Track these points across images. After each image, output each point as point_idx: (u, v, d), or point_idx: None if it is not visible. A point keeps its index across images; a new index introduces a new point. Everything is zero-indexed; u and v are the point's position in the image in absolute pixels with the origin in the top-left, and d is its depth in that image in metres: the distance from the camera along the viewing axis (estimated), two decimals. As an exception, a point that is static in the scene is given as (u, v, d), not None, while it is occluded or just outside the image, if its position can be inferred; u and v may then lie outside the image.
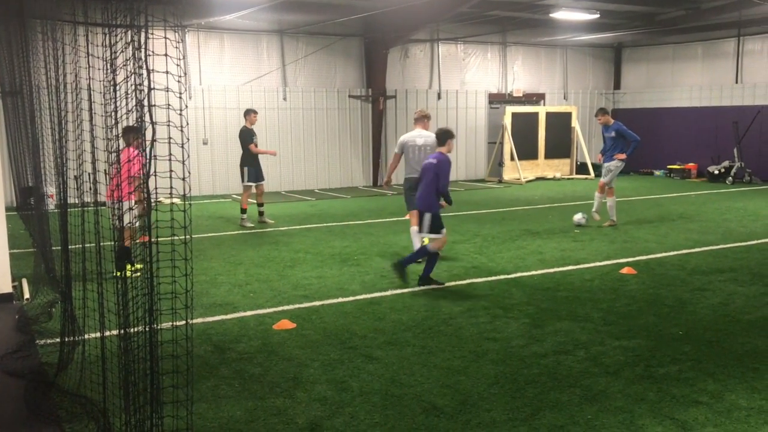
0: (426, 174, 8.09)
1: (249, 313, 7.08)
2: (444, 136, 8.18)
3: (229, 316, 6.96)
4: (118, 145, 3.66)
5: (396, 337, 6.27)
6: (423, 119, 9.71)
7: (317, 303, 7.42)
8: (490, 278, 8.48)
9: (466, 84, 21.19)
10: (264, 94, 18.22)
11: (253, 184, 12.55)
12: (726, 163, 19.93)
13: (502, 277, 8.53)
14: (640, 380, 5.20)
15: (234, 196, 17.25)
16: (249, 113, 12.63)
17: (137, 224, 8.03)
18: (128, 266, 7.25)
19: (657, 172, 22.06)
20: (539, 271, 8.80)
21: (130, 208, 7.64)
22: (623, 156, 11.97)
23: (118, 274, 6.02)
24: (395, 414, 4.66)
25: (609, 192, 12.26)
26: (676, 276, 8.48)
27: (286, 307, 7.26)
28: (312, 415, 4.65)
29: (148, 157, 3.18)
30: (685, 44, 21.92)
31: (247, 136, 12.49)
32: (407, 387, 5.12)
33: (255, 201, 13.00)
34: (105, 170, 4.22)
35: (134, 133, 6.70)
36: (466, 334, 6.33)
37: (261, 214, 12.86)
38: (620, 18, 19.74)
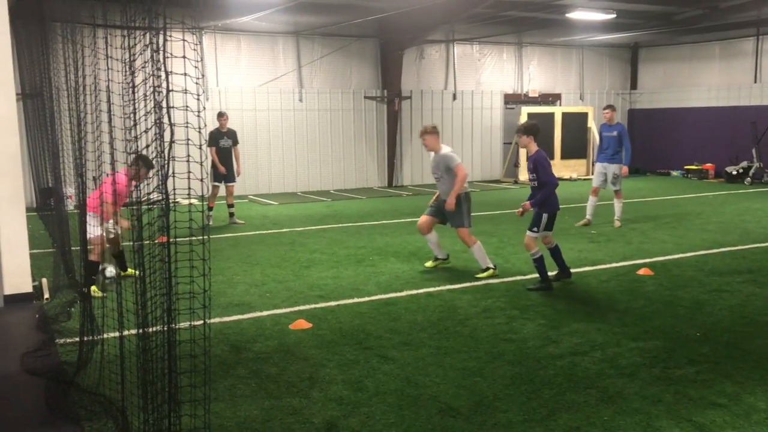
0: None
1: (265, 313, 7.12)
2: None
3: (245, 316, 7.00)
4: (137, 147, 3.69)
5: (411, 337, 6.28)
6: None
7: (333, 303, 7.44)
8: (506, 279, 8.46)
9: (482, 84, 21.16)
10: (280, 96, 18.29)
11: (219, 185, 13.06)
12: (744, 164, 19.73)
13: (518, 278, 8.51)
14: (657, 382, 5.17)
15: (251, 196, 17.33)
16: (218, 116, 13.08)
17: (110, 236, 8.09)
18: (93, 286, 7.32)
19: (674, 173, 21.90)
20: (556, 272, 8.76)
21: (114, 222, 7.74)
22: (626, 170, 12.19)
23: (84, 290, 6.05)
24: (411, 414, 4.67)
25: (618, 194, 12.32)
26: (693, 277, 8.42)
27: (302, 307, 7.29)
28: (328, 415, 4.67)
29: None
30: (702, 44, 21.74)
31: (210, 138, 12.82)
32: (423, 387, 5.13)
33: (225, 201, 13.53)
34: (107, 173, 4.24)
35: (142, 163, 6.49)
36: (482, 335, 6.33)
37: (231, 215, 13.30)
38: (637, 18, 19.62)
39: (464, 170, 8.52)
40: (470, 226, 8.67)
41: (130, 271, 8.14)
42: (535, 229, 7.89)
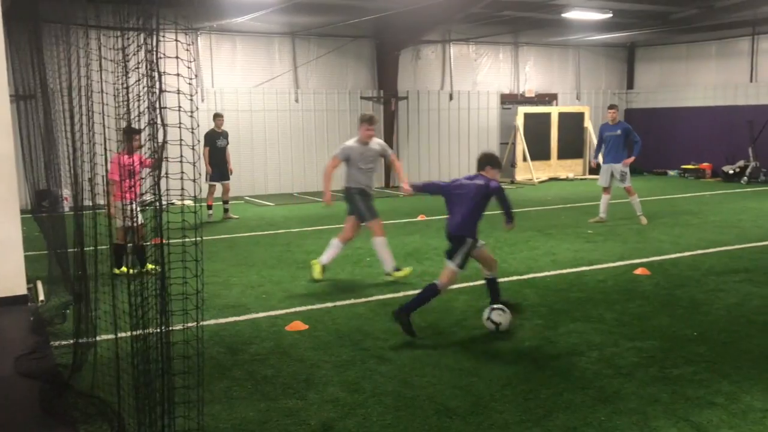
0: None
1: (261, 314, 7.09)
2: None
3: (241, 318, 6.97)
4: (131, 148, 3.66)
5: (408, 338, 6.25)
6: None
7: (329, 304, 7.42)
8: (502, 279, 8.40)
9: (478, 85, 21.15)
10: (276, 96, 18.27)
11: (217, 183, 13.58)
12: (741, 163, 19.76)
13: (514, 278, 8.50)
14: (654, 381, 5.16)
15: (247, 197, 17.30)
16: (215, 117, 13.71)
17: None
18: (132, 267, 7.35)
19: (671, 172, 21.92)
20: (552, 272, 8.76)
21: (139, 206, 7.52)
22: (632, 160, 12.29)
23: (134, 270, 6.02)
24: (407, 415, 4.65)
25: (629, 191, 12.39)
26: (690, 277, 8.42)
27: (298, 309, 7.27)
28: (324, 417, 4.65)
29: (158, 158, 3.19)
30: (698, 43, 21.77)
31: (205, 139, 13.24)
32: (419, 388, 5.11)
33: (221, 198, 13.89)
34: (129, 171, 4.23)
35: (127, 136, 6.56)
36: (479, 336, 6.31)
37: (226, 210, 13.81)
38: (633, 17, 19.63)
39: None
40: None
41: (149, 266, 7.96)
42: None
